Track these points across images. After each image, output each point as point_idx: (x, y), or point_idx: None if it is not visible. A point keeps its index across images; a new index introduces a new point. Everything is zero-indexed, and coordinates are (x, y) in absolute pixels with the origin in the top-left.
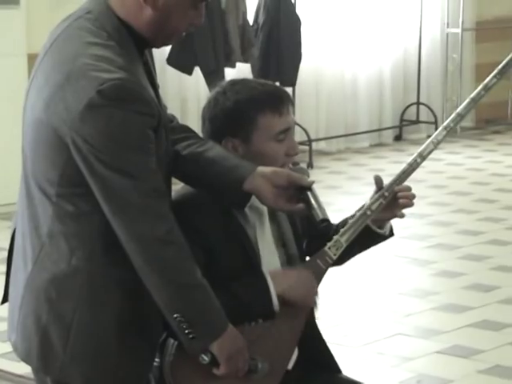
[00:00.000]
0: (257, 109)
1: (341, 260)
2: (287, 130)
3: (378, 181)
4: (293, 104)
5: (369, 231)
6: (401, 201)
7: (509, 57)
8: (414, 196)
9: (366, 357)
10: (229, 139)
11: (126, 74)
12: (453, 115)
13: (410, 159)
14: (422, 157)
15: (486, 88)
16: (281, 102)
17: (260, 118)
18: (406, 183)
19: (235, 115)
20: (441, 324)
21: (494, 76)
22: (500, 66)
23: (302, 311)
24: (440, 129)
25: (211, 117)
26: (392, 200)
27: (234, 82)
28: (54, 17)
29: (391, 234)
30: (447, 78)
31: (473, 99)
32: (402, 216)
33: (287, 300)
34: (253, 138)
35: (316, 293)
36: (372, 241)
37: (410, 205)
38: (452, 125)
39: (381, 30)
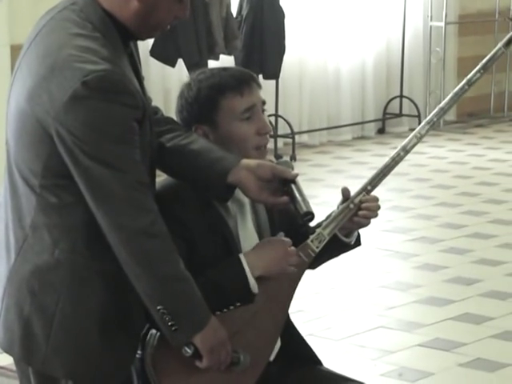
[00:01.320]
0: (217, 92)
1: (312, 265)
2: (251, 108)
3: (345, 192)
4: (259, 85)
5: (335, 239)
6: (361, 212)
7: (492, 52)
8: (378, 207)
9: (347, 349)
10: (197, 126)
11: (110, 65)
12: (436, 109)
13: (393, 153)
14: (405, 150)
15: (470, 83)
16: (242, 83)
17: (222, 101)
18: (389, 177)
19: (198, 102)
20: (422, 317)
21: (478, 71)
22: (484, 61)
23: (285, 301)
24: (423, 123)
25: (178, 109)
26: (357, 210)
27: (199, 73)
28: (37, 8)
29: (358, 243)
30: (430, 71)
31: (456, 94)
32: (367, 224)
33: (268, 276)
34: (219, 122)
35: (292, 256)
36: (338, 249)
37: (372, 216)
38: (435, 119)
39: (364, 21)
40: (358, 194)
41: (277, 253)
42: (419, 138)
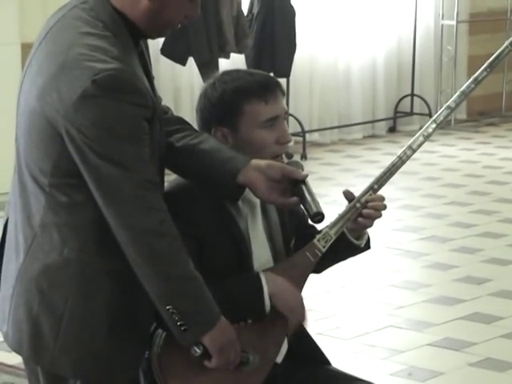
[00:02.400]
0: (242, 97)
1: (316, 270)
2: (275, 119)
3: (348, 195)
4: (283, 93)
5: (345, 241)
6: (365, 211)
7: (499, 50)
8: (384, 207)
9: (356, 349)
10: (217, 128)
11: (121, 64)
12: (443, 108)
13: (399, 152)
14: (412, 149)
15: (476, 81)
16: (267, 90)
17: (246, 106)
18: (400, 175)
19: (221, 104)
20: (432, 316)
21: (485, 69)
22: (490, 60)
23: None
24: (430, 122)
25: (200, 108)
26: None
27: (224, 73)
28: (48, 6)
29: (368, 246)
30: (441, 69)
31: (463, 92)
32: (370, 226)
33: (273, 305)
34: (240, 127)
35: (303, 312)
36: (348, 252)
37: (377, 216)
38: (442, 118)
39: (375, 19)
40: (365, 193)
41: (293, 298)
42: (426, 137)
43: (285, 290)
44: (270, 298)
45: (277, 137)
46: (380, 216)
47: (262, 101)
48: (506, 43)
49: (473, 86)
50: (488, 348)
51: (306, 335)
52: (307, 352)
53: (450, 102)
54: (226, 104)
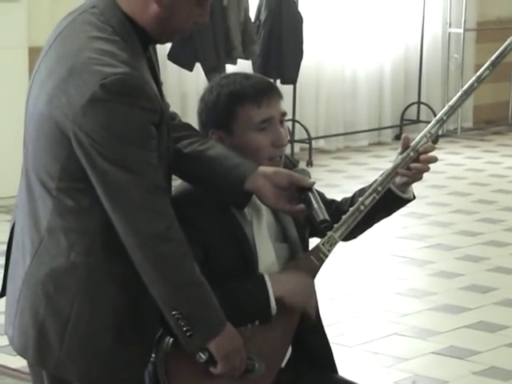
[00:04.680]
0: (236, 101)
1: (367, 225)
2: (268, 121)
3: (406, 141)
4: (280, 96)
5: (393, 197)
6: (414, 165)
7: (502, 47)
8: (435, 160)
9: (361, 356)
10: (214, 131)
11: (129, 68)
12: (445, 108)
13: (403, 154)
14: (416, 151)
15: (479, 80)
16: (260, 93)
17: (239, 110)
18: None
19: (216, 108)
20: (437, 324)
21: (487, 68)
22: (493, 58)
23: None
24: (433, 122)
25: (199, 111)
26: (415, 161)
27: (223, 77)
28: (56, 10)
29: (413, 197)
30: (448, 77)
31: (465, 91)
32: (420, 178)
33: (286, 304)
34: (234, 130)
35: (314, 300)
36: (396, 206)
37: (426, 170)
38: (445, 118)
39: (382, 27)
40: (369, 195)
41: (303, 287)
42: (429, 138)
43: (292, 287)
44: (278, 299)
45: (272, 139)
46: (429, 169)
47: (254, 104)
48: (509, 40)
49: (476, 84)
50: (492, 357)
51: (326, 342)
52: (318, 358)
53: (453, 101)
54: (220, 108)
